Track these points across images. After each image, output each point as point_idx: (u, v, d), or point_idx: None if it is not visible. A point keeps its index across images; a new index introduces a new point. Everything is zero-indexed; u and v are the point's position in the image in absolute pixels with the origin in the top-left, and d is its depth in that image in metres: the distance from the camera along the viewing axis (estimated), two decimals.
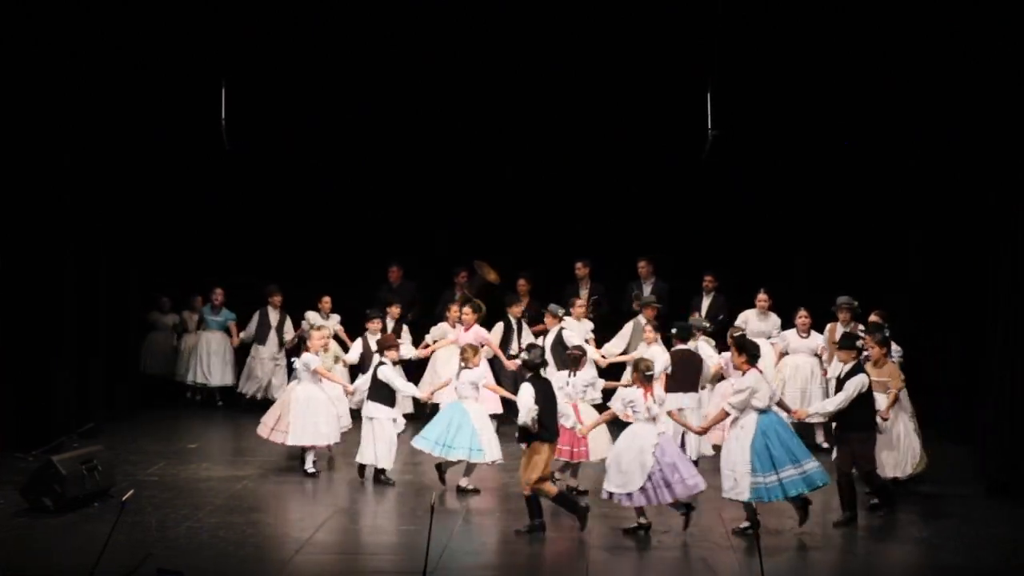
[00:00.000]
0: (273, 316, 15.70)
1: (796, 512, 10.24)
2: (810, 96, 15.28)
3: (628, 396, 10.16)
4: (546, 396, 10.12)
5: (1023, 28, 11.43)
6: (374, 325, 13.47)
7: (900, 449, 11.22)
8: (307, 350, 12.58)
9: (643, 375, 10.13)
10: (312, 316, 14.83)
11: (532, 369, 10.25)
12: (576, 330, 13.62)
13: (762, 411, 10.00)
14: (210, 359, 16.03)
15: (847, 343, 10.77)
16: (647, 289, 15.12)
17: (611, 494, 10.10)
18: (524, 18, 15.39)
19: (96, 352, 14.19)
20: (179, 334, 16.57)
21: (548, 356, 12.23)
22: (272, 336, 15.61)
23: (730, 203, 16.25)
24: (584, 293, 15.29)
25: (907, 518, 10.90)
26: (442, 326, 14.29)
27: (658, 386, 10.61)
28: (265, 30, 15.15)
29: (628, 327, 13.86)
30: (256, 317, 15.71)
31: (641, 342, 12.82)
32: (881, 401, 10.99)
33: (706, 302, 14.74)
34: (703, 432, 11.16)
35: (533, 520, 10.12)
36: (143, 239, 15.70)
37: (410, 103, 16.19)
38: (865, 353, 11.17)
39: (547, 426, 10.07)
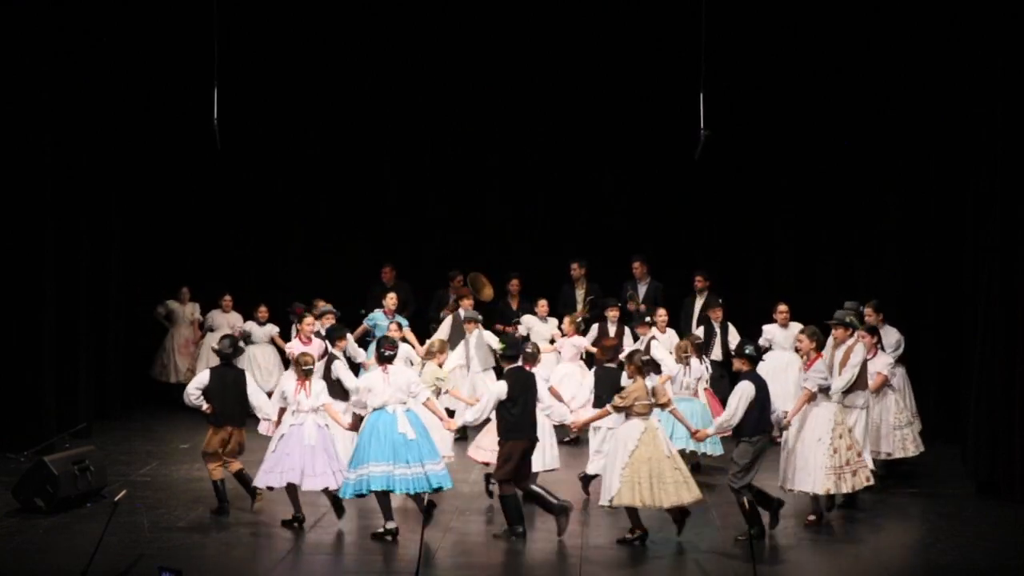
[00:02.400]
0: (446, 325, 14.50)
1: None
2: (802, 96, 15.33)
3: (282, 387, 10.65)
4: (225, 383, 10.68)
5: (1003, 25, 11.50)
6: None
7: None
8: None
9: (302, 369, 10.52)
10: (528, 320, 14.15)
11: (223, 359, 10.85)
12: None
13: (376, 409, 10.17)
14: None
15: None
16: (642, 289, 15.13)
17: None
18: (517, 21, 15.43)
19: (85, 351, 14.17)
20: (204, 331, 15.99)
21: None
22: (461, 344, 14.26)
23: (723, 203, 16.28)
24: (580, 294, 15.28)
25: (898, 517, 10.94)
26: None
27: (317, 380, 10.77)
28: (258, 30, 15.18)
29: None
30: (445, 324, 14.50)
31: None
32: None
33: (698, 302, 14.74)
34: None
35: (221, 503, 10.74)
36: (128, 238, 15.66)
37: (404, 103, 16.22)
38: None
39: (218, 412, 10.66)
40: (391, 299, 14.50)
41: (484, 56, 15.76)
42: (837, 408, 10.54)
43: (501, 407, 10.03)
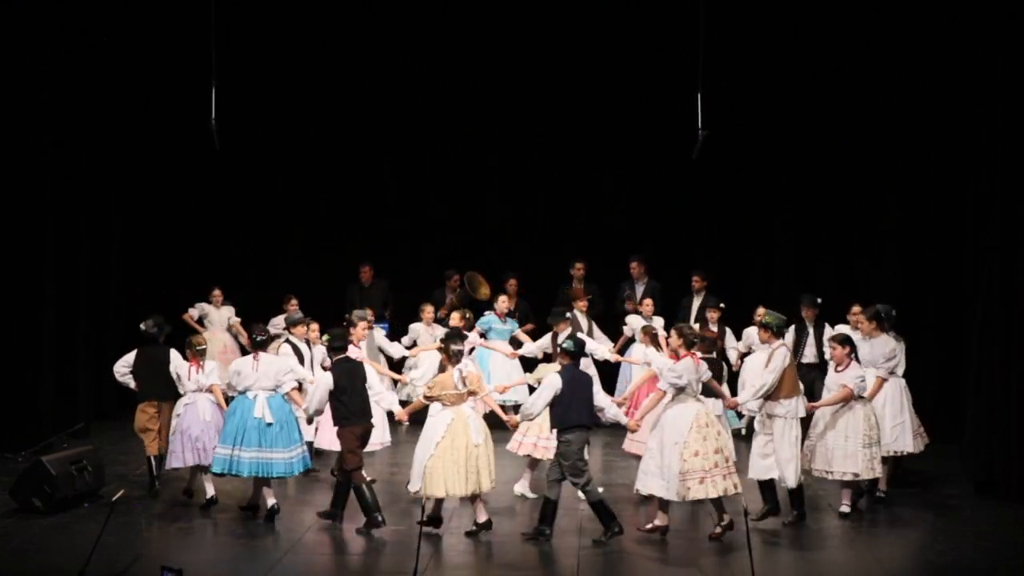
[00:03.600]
0: (583, 321, 14.07)
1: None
2: (802, 96, 15.31)
3: (176, 367, 11.18)
4: (150, 362, 11.33)
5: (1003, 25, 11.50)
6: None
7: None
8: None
9: (195, 350, 11.16)
10: (633, 320, 13.89)
11: (149, 338, 11.49)
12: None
13: (241, 393, 10.66)
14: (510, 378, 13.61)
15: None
16: (639, 289, 15.11)
17: None
18: (516, 21, 15.41)
19: (85, 351, 14.18)
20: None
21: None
22: None
23: (722, 203, 16.27)
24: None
25: (896, 517, 10.92)
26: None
27: (209, 361, 11.28)
28: (257, 30, 15.17)
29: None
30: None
31: None
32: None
33: (696, 302, 14.71)
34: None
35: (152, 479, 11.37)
36: (127, 238, 15.65)
37: (404, 103, 16.19)
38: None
39: (143, 388, 11.36)
40: (503, 302, 14.40)
41: (484, 56, 15.75)
42: (700, 409, 9.98)
43: (332, 397, 10.24)
